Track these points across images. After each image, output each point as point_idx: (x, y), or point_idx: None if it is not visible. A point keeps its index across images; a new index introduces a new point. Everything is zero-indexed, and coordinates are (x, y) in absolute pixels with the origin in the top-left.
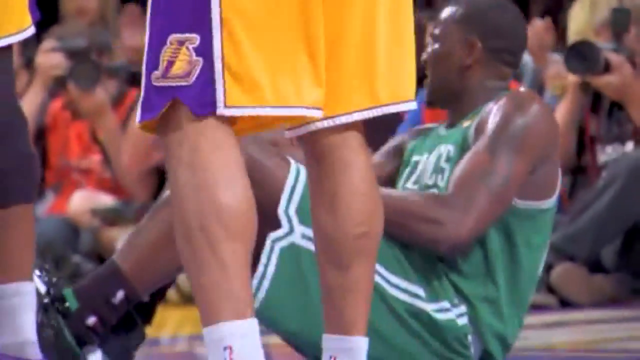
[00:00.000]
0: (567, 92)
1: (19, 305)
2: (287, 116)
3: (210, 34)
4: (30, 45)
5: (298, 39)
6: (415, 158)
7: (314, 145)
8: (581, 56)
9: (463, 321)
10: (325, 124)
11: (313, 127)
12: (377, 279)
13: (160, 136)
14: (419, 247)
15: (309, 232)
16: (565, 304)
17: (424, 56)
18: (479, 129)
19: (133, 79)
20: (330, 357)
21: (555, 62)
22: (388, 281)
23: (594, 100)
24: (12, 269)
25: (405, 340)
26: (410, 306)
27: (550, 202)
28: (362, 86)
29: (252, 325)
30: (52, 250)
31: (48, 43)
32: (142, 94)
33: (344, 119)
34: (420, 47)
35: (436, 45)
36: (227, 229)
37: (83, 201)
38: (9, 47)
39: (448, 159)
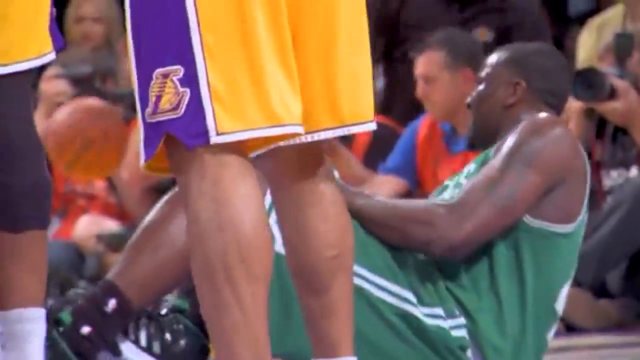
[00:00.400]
0: (571, 118)
1: (30, 332)
2: (280, 135)
3: (193, 63)
4: (33, 72)
5: (275, 54)
6: (447, 182)
7: (278, 166)
8: (587, 83)
9: (459, 333)
10: (298, 140)
11: (281, 144)
12: (362, 282)
13: (172, 174)
14: (414, 252)
15: None
16: (571, 328)
17: (468, 99)
18: (498, 148)
19: None
20: None
21: None
22: (374, 284)
23: (599, 126)
24: (24, 295)
25: (394, 344)
26: (398, 309)
27: (568, 228)
28: (326, 105)
29: None
30: (57, 275)
31: (52, 70)
32: (141, 133)
33: (310, 138)
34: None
35: (481, 87)
36: (249, 270)
37: (88, 226)
38: (28, 72)
39: (467, 176)
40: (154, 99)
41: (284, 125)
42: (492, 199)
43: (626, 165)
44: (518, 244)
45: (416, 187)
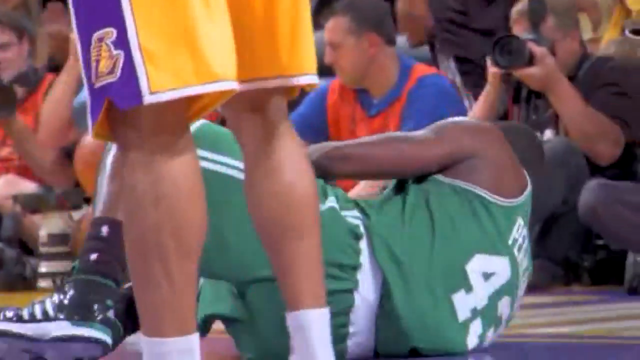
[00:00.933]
0: (488, 82)
1: None
2: (217, 94)
3: (123, 24)
4: None
5: (207, 9)
6: None
7: (232, 115)
8: (506, 50)
9: (353, 221)
10: (242, 87)
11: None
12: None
13: (112, 140)
14: None
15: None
16: None
17: None
18: None
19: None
20: (290, 337)
21: None
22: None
23: (515, 90)
24: None
25: None
26: None
27: (477, 189)
28: (269, 55)
29: (194, 340)
30: None
31: None
32: (88, 100)
33: (255, 85)
34: None
35: None
36: (181, 246)
37: (5, 187)
38: None
39: None
40: (94, 64)
41: (218, 82)
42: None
43: (540, 128)
44: (428, 192)
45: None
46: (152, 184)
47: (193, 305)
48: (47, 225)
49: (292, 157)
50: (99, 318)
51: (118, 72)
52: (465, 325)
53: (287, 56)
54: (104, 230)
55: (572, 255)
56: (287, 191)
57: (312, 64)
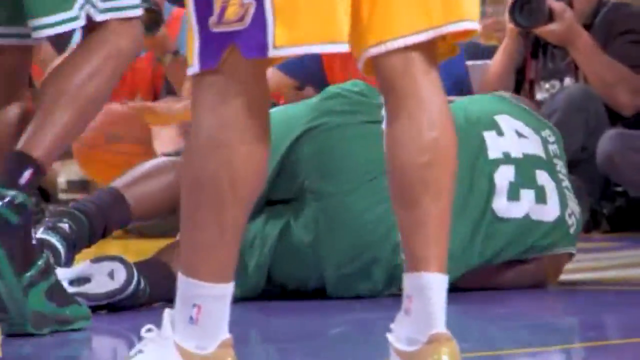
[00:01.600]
0: (506, 36)
1: None
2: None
3: None
4: None
5: None
6: None
7: (378, 74)
8: (527, 10)
9: None
10: (379, 49)
11: (367, 54)
12: None
13: (202, 80)
14: None
15: None
16: None
17: None
18: None
19: None
20: (407, 297)
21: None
22: None
23: (533, 45)
24: None
25: None
26: None
27: None
28: (414, 7)
29: (229, 289)
30: None
31: None
32: (196, 41)
33: (397, 44)
34: None
35: None
36: (236, 194)
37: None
38: None
39: None
40: (219, 9)
41: (335, 43)
42: None
43: (557, 77)
44: None
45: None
46: (217, 129)
47: (235, 255)
48: (65, 172)
49: (439, 112)
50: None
51: (248, 21)
52: (495, 163)
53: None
54: (106, 199)
55: (591, 202)
56: (432, 146)
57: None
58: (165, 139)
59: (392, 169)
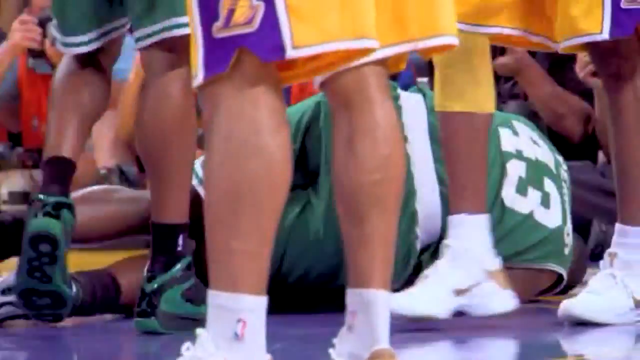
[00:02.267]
0: None
1: None
2: (351, 51)
3: None
4: None
5: None
6: None
7: (332, 87)
8: None
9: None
10: (370, 58)
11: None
12: None
13: (218, 90)
14: None
15: None
16: None
17: None
18: None
19: None
20: (350, 313)
21: None
22: None
23: None
24: None
25: None
26: None
27: None
28: (391, 20)
29: (265, 303)
30: None
31: None
32: (200, 49)
33: (378, 55)
34: None
35: None
36: (277, 199)
37: None
38: None
39: None
40: (225, 12)
41: (362, 39)
42: None
43: (500, 100)
44: None
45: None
46: (254, 134)
47: (269, 264)
48: (7, 183)
49: (392, 129)
50: None
51: (257, 23)
52: (508, 155)
53: (415, 19)
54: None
55: None
56: (384, 164)
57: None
58: (105, 151)
59: (343, 185)
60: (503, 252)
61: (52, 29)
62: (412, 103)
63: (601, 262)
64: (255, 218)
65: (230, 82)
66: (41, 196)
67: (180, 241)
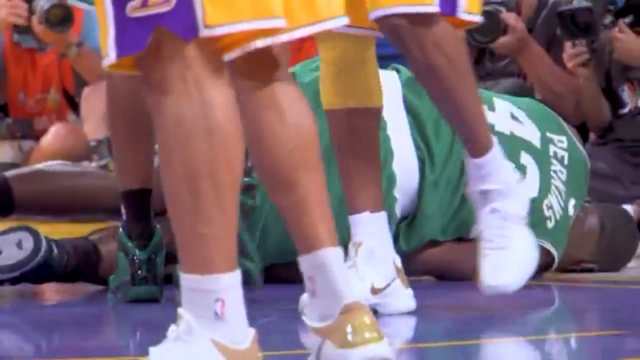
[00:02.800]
0: None
1: None
2: (263, 30)
3: None
4: None
5: None
6: None
7: (244, 65)
8: (482, 26)
9: None
10: (271, 40)
11: (258, 43)
12: None
13: (147, 71)
14: None
15: None
16: None
17: None
18: None
19: None
20: (309, 279)
21: None
22: None
23: (479, 52)
24: None
25: None
26: None
27: None
28: (301, 2)
29: (239, 276)
30: None
31: None
32: (111, 29)
33: (286, 37)
34: None
35: None
36: (233, 179)
37: None
38: None
39: None
40: None
41: (271, 19)
42: None
43: (494, 78)
44: None
45: None
46: (203, 115)
47: (235, 240)
48: None
49: (294, 100)
50: None
51: (173, 2)
52: None
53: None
54: None
55: None
56: (297, 132)
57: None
58: (94, 124)
59: (262, 159)
60: (471, 221)
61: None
62: (386, 77)
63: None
64: (218, 200)
65: (170, 63)
66: None
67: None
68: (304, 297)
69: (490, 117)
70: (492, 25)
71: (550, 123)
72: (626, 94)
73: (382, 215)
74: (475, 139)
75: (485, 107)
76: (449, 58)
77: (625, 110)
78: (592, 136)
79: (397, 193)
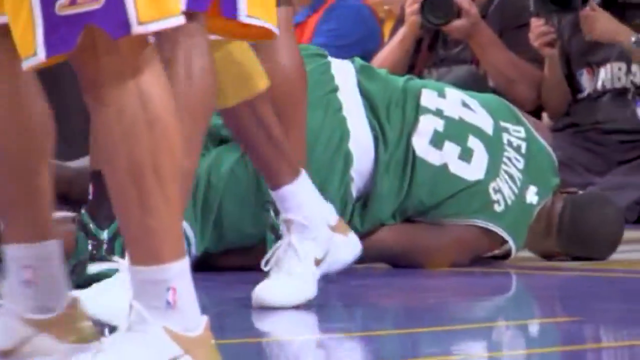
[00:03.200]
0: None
1: None
2: None
3: None
4: None
5: None
6: None
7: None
8: (436, 7)
9: None
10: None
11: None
12: None
13: (83, 68)
14: None
15: None
16: None
17: None
18: None
19: None
20: (24, 267)
21: None
22: None
23: (433, 37)
24: None
25: None
26: None
27: None
28: None
29: (187, 262)
30: None
31: None
32: (39, 27)
33: None
34: None
35: None
36: (175, 168)
37: None
38: None
39: None
40: None
41: (182, 14)
42: None
43: (448, 65)
44: None
45: None
46: (142, 107)
47: (182, 226)
48: None
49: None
50: None
51: (103, 0)
52: (424, 110)
53: None
54: None
55: None
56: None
57: None
58: None
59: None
60: (420, 203)
61: None
62: (340, 64)
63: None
64: (162, 191)
65: (106, 59)
66: None
67: None
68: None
69: (440, 102)
70: (446, 7)
71: (506, 113)
72: (585, 78)
73: (303, 178)
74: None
75: (435, 94)
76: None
77: (584, 94)
78: (546, 122)
79: (353, 173)
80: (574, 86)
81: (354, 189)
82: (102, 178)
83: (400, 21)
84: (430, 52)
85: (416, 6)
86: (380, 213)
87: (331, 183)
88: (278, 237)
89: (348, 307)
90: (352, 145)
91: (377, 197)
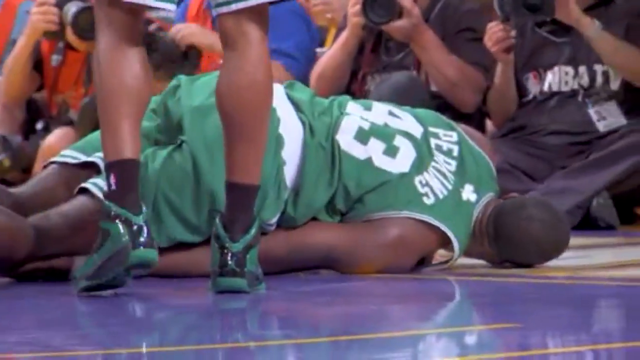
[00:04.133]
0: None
1: None
2: None
3: None
4: None
5: None
6: None
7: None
8: (378, 5)
9: None
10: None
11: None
12: None
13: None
14: None
15: None
16: None
17: None
18: None
19: None
20: None
21: None
22: None
23: (376, 39)
24: None
25: None
26: None
27: None
28: None
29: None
30: None
31: None
32: None
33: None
34: None
35: None
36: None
37: None
38: None
39: None
40: None
41: None
42: None
43: (389, 70)
44: None
45: None
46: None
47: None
48: None
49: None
50: None
51: None
52: (349, 116)
53: None
54: None
55: None
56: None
57: None
58: None
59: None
60: (348, 195)
61: None
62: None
63: None
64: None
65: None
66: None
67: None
68: None
69: (364, 113)
70: (389, 6)
71: (437, 121)
72: (531, 82)
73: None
74: None
75: (361, 107)
76: None
77: (529, 97)
78: (490, 129)
79: (284, 155)
80: (519, 91)
81: (287, 175)
82: (126, 166)
83: (342, 29)
84: (374, 55)
85: (358, 7)
86: (313, 201)
87: (265, 163)
88: (222, 247)
89: (281, 314)
90: (283, 129)
91: (308, 184)
